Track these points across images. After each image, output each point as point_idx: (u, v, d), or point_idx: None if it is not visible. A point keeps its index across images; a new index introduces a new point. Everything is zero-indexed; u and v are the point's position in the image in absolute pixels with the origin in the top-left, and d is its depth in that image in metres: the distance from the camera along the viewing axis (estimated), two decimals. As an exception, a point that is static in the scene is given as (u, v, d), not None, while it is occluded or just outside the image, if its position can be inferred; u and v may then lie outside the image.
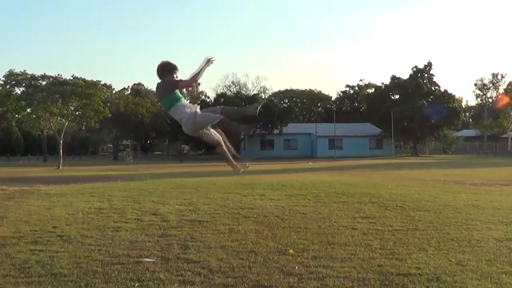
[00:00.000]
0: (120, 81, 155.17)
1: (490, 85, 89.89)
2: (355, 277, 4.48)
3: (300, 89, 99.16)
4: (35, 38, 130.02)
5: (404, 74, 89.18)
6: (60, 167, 35.31)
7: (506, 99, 77.66)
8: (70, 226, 7.15)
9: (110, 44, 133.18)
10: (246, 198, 10.31)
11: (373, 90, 80.00)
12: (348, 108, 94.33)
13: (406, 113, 61.63)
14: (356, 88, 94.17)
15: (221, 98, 66.78)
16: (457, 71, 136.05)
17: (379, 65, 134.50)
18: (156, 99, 7.92)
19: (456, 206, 9.07)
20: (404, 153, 69.09)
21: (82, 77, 42.33)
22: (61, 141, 40.15)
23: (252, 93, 74.48)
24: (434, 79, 67.08)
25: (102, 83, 45.50)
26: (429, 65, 66.83)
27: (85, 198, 10.68)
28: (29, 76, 40.23)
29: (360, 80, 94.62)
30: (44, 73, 40.77)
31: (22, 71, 40.00)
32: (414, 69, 66.82)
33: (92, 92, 40.05)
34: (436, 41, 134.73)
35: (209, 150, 61.76)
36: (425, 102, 65.85)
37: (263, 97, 71.60)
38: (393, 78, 68.64)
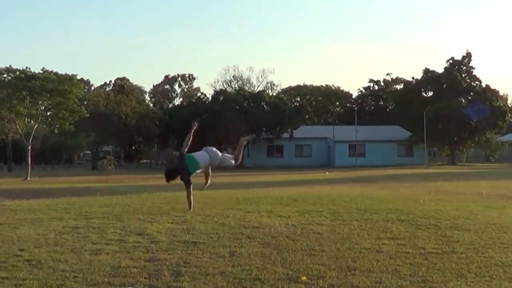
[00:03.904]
0: (99, 76, 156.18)
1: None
2: (380, 309, 4.47)
3: (314, 85, 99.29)
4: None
5: (439, 67, 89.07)
6: (28, 178, 35.44)
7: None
8: (40, 248, 7.16)
9: (88, 31, 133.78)
10: (250, 215, 10.31)
11: (402, 86, 79.93)
12: (372, 107, 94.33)
13: (441, 114, 61.48)
14: (382, 83, 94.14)
15: (220, 95, 66.87)
16: (501, 63, 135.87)
17: (409, 56, 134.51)
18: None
19: (501, 224, 9.04)
20: (439, 161, 68.93)
21: (55, 71, 42.50)
22: (29, 147, 40.32)
23: (257, 90, 74.58)
24: (474, 72, 67.00)
25: (78, 77, 45.69)
26: (468, 56, 66.75)
27: (58, 215, 10.69)
28: (-9, 70, 40.43)
29: (387, 74, 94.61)
30: (10, 66, 40.99)
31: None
32: (450, 61, 66.75)
33: (66, 88, 40.20)
34: (476, 28, 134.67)
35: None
36: (463, 100, 65.74)
37: (270, 94, 71.65)
38: (426, 71, 68.58)
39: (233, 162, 11.12)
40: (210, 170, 11.25)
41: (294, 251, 6.86)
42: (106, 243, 7.53)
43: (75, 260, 6.39)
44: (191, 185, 10.67)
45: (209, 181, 11.49)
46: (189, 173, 10.59)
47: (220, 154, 10.93)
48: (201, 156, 10.71)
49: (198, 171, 10.82)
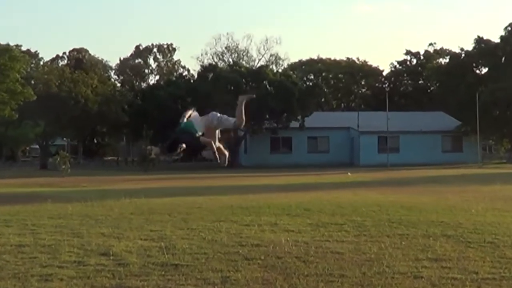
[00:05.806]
0: (50, 46, 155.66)
1: None
2: None
3: (333, 59, 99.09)
4: None
5: (495, 35, 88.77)
6: (-42, 181, 35.45)
7: None
8: (-26, 272, 7.17)
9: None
10: (248, 229, 10.32)
11: (447, 59, 79.80)
12: (409, 88, 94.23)
13: (499, 96, 61.39)
14: (422, 57, 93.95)
15: (209, 72, 66.73)
16: None
17: (457, 21, 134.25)
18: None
19: None
20: (496, 159, 68.95)
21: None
22: (-41, 140, 40.32)
23: (258, 65, 74.47)
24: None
25: (22, 49, 45.63)
26: (532, 20, 66.44)
27: (-3, 229, 10.72)
28: None
29: (429, 44, 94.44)
30: None
31: None
32: (509, 28, 66.60)
33: (5, 62, 40.12)
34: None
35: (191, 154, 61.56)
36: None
37: (275, 70, 71.59)
38: (478, 41, 68.42)
39: (232, 121, 11.27)
40: (218, 142, 11.40)
41: (306, 276, 6.87)
42: (60, 266, 7.53)
43: (18, 288, 6.40)
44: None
45: (225, 154, 11.18)
46: (193, 132, 10.40)
47: (219, 115, 11.27)
48: (194, 119, 10.64)
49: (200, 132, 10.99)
